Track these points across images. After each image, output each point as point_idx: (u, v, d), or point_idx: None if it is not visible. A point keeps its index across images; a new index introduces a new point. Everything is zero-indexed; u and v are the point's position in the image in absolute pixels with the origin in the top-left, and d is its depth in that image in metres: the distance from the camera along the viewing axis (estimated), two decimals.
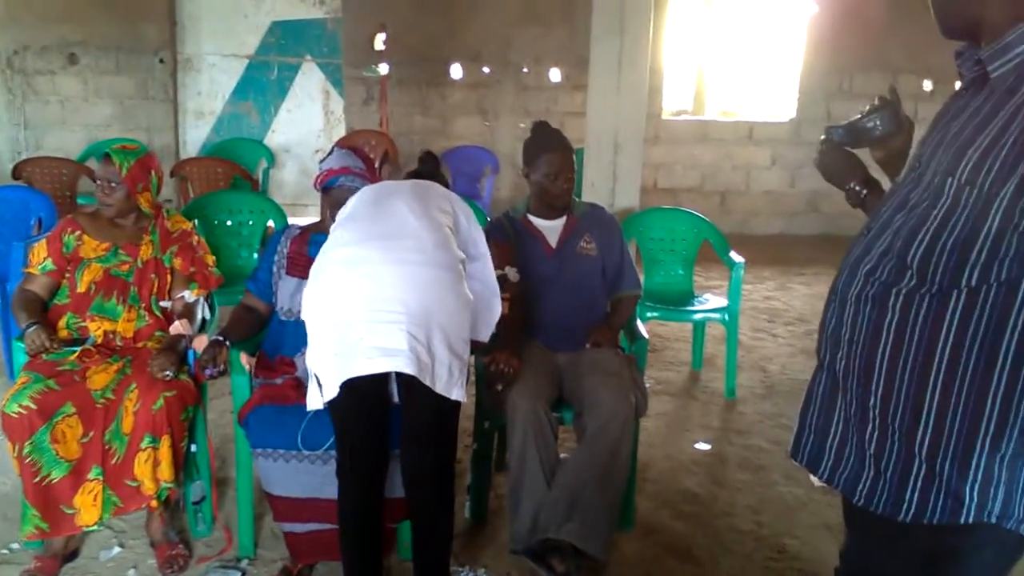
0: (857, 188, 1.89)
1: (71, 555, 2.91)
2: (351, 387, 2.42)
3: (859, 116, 1.90)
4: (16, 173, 6.50)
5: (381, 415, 2.58)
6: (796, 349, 5.35)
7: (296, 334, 2.97)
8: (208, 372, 2.82)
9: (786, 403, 4.43)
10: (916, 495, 1.48)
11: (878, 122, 1.87)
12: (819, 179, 2.00)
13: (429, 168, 3.07)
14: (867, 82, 8.59)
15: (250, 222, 4.83)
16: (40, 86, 8.19)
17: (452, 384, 2.45)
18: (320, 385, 2.46)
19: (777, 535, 3.20)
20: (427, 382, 2.39)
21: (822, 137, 1.96)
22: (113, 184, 3.07)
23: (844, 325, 1.56)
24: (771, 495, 3.48)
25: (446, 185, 2.98)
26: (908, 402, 1.47)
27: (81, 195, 6.42)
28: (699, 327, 4.91)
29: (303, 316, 2.53)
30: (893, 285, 1.48)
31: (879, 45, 8.38)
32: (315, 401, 2.49)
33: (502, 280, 3.04)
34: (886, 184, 1.79)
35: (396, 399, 2.60)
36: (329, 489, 2.66)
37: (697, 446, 3.95)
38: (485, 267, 2.77)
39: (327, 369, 2.44)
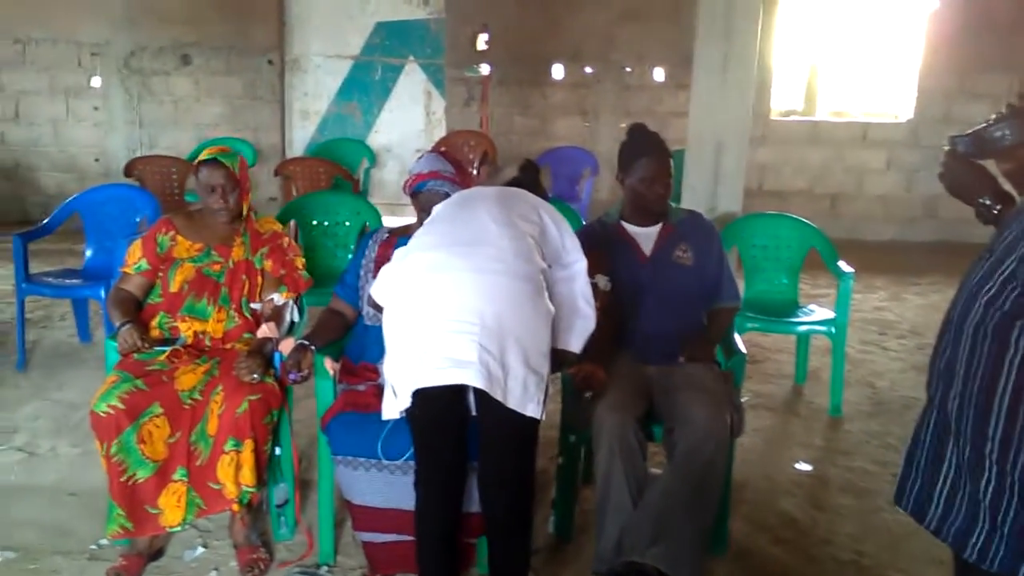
0: (989, 203, 1.69)
1: (156, 554, 2.94)
2: (426, 397, 2.36)
3: (985, 124, 1.73)
4: (128, 171, 6.73)
5: (458, 427, 2.51)
6: (908, 364, 5.06)
7: (380, 340, 2.90)
8: (292, 377, 2.80)
9: (895, 422, 4.19)
10: None
11: (1007, 131, 1.70)
12: (938, 183, 1.83)
13: (529, 177, 2.97)
14: (991, 83, 8.13)
15: (347, 223, 4.84)
16: (155, 86, 8.48)
17: (527, 400, 2.35)
18: (395, 394, 2.40)
19: (881, 567, 3.00)
20: (498, 396, 2.31)
21: (945, 147, 1.79)
22: (229, 188, 3.08)
23: (959, 359, 1.40)
24: (875, 522, 3.27)
25: (545, 196, 2.89)
26: None
27: (189, 192, 6.58)
28: (803, 339, 4.70)
29: (380, 303, 2.55)
30: (1017, 317, 1.32)
31: (1004, 44, 7.93)
32: (390, 410, 2.44)
33: (592, 288, 2.94)
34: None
35: (474, 411, 2.53)
36: (409, 500, 2.61)
37: (797, 466, 3.75)
38: (578, 277, 2.64)
39: (400, 377, 2.40)
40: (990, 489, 1.36)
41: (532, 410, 2.37)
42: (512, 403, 2.33)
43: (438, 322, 2.33)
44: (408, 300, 2.41)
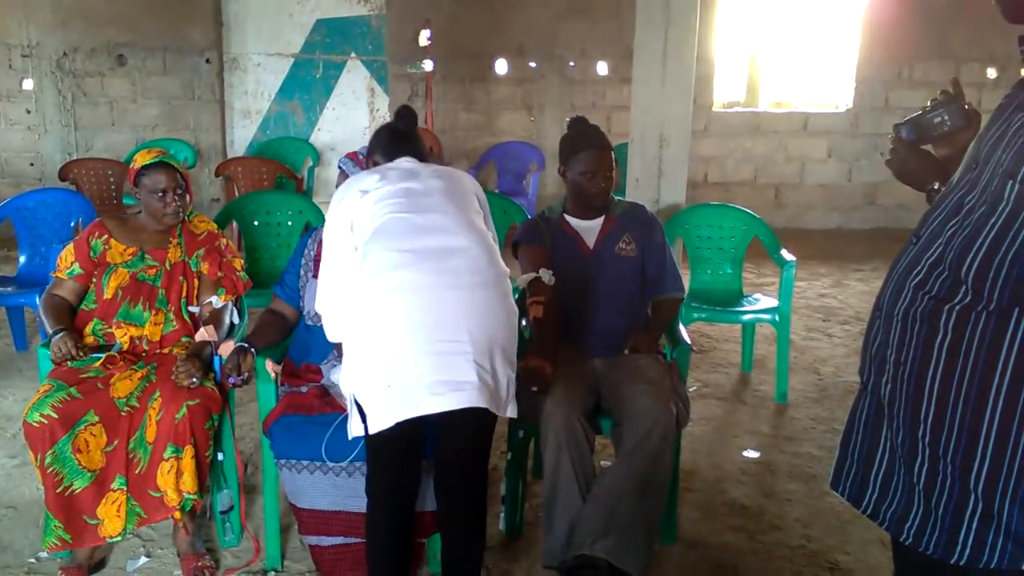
0: (939, 188, 1.68)
1: (97, 565, 2.86)
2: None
3: (922, 111, 1.75)
4: (63, 174, 6.57)
5: (417, 434, 2.44)
6: (851, 350, 5.13)
7: (323, 341, 2.88)
8: (231, 381, 2.74)
9: (840, 407, 4.24)
10: (971, 536, 1.32)
11: (945, 117, 1.72)
12: (877, 171, 1.86)
13: (406, 124, 2.77)
14: (928, 70, 8.30)
15: (289, 222, 4.77)
16: (89, 88, 8.26)
17: (508, 402, 2.37)
18: (363, 415, 2.31)
19: (828, 550, 3.03)
20: (495, 409, 2.30)
21: (891, 136, 1.80)
22: (179, 191, 3.05)
23: (890, 345, 1.41)
24: (822, 507, 3.31)
25: (423, 149, 2.74)
26: (962, 432, 1.31)
27: (127, 195, 6.44)
28: (748, 328, 4.74)
29: (332, 334, 2.45)
30: (945, 301, 1.32)
31: (940, 32, 8.09)
32: (357, 429, 2.34)
33: (536, 283, 2.93)
34: None
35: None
36: (355, 502, 2.58)
37: (745, 454, 3.78)
38: None
39: (377, 402, 2.28)
40: (924, 472, 1.37)
41: (511, 411, 2.37)
42: (503, 411, 2.34)
43: (426, 345, 2.24)
44: (384, 323, 2.27)
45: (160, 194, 3.01)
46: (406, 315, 2.25)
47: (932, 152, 1.77)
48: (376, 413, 2.28)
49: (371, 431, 2.29)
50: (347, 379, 2.37)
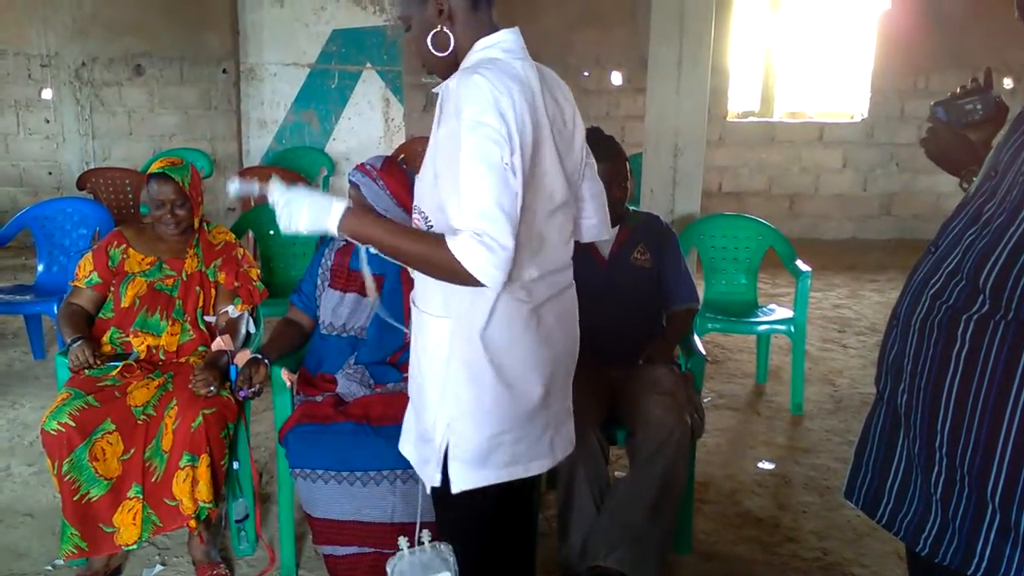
0: (975, 170, 1.59)
1: (113, 573, 2.87)
2: None
3: (953, 95, 1.73)
4: (81, 184, 6.61)
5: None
6: (867, 361, 5.11)
7: (337, 349, 2.90)
8: (242, 394, 2.76)
9: (855, 419, 4.22)
10: (988, 548, 1.31)
11: (979, 105, 1.70)
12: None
13: None
14: (943, 80, 8.24)
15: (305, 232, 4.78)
16: (108, 97, 8.32)
17: None
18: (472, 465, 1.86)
19: (844, 563, 3.01)
20: None
21: (929, 115, 1.78)
22: (178, 203, 3.04)
23: (907, 354, 1.40)
24: (838, 519, 3.29)
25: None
26: (979, 442, 1.30)
27: (144, 205, 6.47)
28: (763, 339, 4.72)
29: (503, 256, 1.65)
30: (963, 311, 1.32)
31: (956, 41, 8.04)
32: (459, 482, 1.87)
33: None
34: None
35: None
36: (369, 512, 2.59)
37: (760, 465, 3.77)
38: None
39: (500, 453, 1.85)
40: (940, 482, 1.36)
41: None
42: None
43: (564, 374, 2.05)
44: (535, 359, 1.88)
45: (159, 205, 3.03)
46: (556, 346, 1.96)
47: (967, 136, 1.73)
48: (487, 468, 1.85)
49: (493, 481, 1.86)
50: (442, 418, 1.85)
